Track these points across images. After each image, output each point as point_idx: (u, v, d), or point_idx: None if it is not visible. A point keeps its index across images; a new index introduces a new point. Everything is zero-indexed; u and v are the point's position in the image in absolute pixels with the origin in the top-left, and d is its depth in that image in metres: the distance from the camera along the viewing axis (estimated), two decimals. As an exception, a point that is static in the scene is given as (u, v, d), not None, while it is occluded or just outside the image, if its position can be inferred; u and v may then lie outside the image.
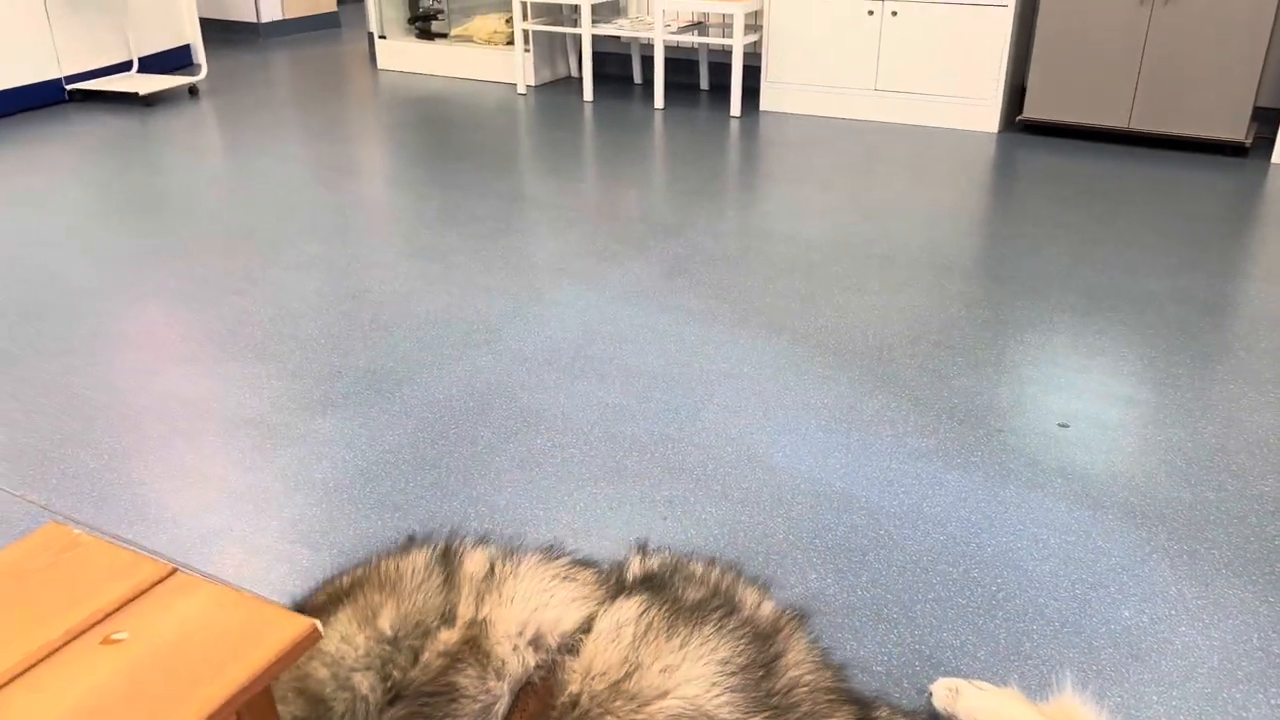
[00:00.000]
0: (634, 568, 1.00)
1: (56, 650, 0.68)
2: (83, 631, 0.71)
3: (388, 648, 0.89)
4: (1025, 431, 2.11)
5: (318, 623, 0.73)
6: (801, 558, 1.73)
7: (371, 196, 3.73)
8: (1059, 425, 2.13)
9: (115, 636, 0.71)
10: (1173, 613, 1.59)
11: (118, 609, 0.73)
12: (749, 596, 0.96)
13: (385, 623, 0.90)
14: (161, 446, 2.10)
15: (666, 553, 1.05)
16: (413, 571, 0.95)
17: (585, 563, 1.00)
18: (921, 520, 1.83)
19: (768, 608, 0.96)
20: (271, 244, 3.24)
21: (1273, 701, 1.41)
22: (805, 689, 0.88)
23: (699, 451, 2.06)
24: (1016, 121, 4.55)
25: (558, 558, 0.98)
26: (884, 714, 0.93)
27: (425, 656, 0.86)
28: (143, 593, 0.74)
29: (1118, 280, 2.89)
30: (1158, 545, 1.75)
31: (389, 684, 0.85)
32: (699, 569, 1.00)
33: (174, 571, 0.79)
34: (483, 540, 1.01)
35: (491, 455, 2.05)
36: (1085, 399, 2.24)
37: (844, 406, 2.23)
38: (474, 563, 0.95)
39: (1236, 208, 3.49)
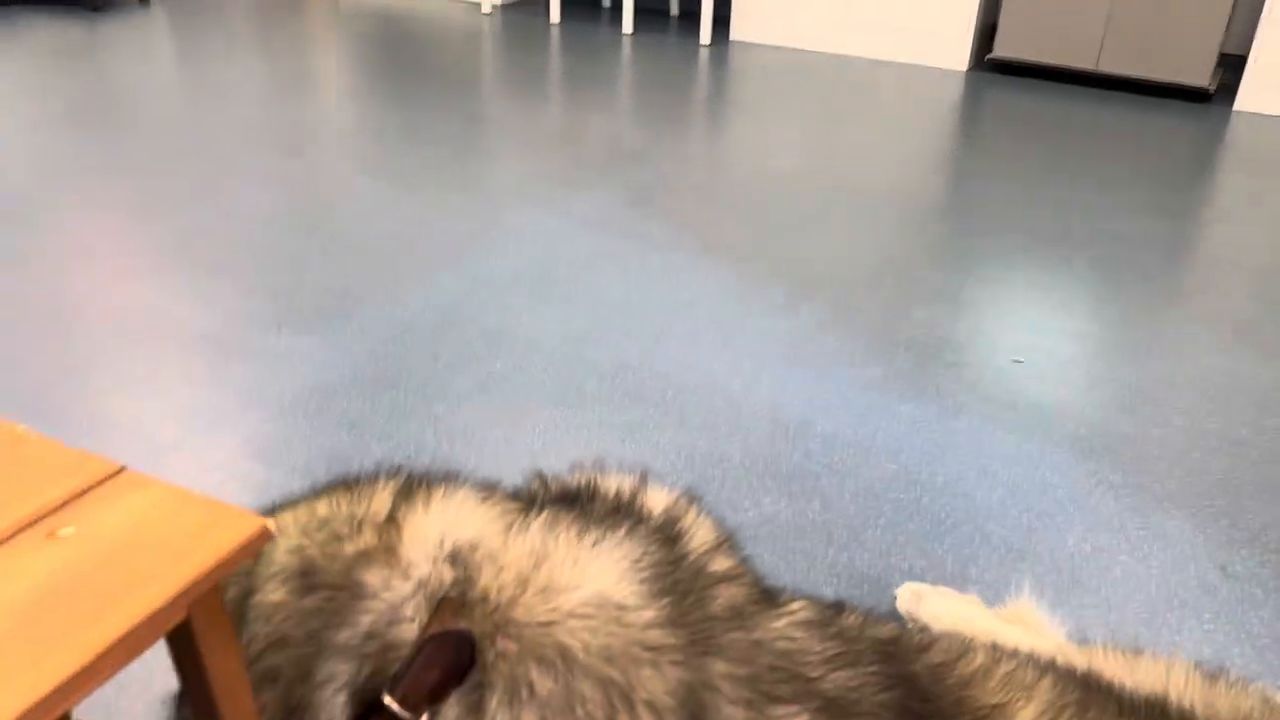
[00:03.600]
0: (543, 492, 1.01)
1: None
2: (27, 526, 0.70)
3: (313, 525, 0.89)
4: (980, 365, 2.14)
5: (270, 522, 0.72)
6: (756, 483, 1.75)
7: (331, 114, 3.63)
8: (1013, 360, 2.16)
9: (61, 532, 0.69)
10: (1114, 543, 1.63)
11: (64, 505, 0.72)
12: (650, 502, 0.97)
13: (323, 508, 0.90)
14: (112, 360, 2.06)
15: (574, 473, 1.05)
16: (378, 480, 0.96)
17: (510, 491, 1.00)
18: (875, 449, 1.85)
19: (661, 503, 0.96)
20: (226, 158, 3.15)
21: (1205, 626, 1.46)
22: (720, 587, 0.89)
23: (658, 378, 2.06)
24: (986, 60, 4.53)
25: (479, 485, 0.98)
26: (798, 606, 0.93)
27: (344, 548, 0.86)
28: (91, 489, 0.73)
29: (1078, 219, 2.91)
30: (1103, 478, 1.79)
31: (303, 565, 0.86)
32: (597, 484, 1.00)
33: (123, 469, 0.77)
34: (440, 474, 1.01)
35: (451, 376, 2.04)
36: (1041, 335, 2.27)
37: (803, 337, 2.24)
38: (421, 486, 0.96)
39: (1199, 153, 3.52)
